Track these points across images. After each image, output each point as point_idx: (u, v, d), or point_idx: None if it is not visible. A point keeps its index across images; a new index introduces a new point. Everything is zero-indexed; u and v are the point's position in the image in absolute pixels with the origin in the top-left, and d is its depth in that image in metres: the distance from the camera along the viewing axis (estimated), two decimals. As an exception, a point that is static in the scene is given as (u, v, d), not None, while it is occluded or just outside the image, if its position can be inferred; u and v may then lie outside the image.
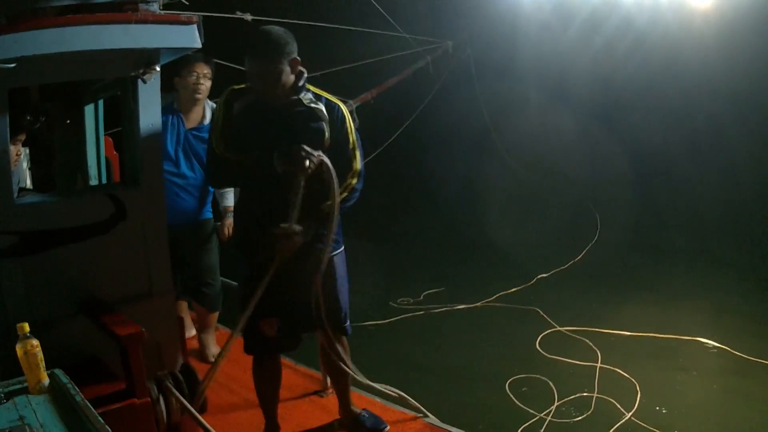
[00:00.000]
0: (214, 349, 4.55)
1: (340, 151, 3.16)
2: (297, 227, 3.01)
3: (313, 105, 3.12)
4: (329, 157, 3.05)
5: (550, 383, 4.59)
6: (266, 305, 3.13)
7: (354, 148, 3.21)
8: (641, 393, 4.41)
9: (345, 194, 3.14)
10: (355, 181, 3.20)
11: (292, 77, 3.05)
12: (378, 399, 3.92)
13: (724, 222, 8.64)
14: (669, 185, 10.18)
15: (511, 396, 4.51)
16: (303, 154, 2.93)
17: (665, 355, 5.08)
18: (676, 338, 5.27)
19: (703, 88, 9.86)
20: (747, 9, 8.62)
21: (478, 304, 6.32)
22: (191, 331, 4.78)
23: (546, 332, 5.47)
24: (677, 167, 10.32)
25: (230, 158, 3.06)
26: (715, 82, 9.75)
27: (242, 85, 3.15)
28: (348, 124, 3.18)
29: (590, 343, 5.18)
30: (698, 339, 5.23)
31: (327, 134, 3.12)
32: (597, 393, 4.44)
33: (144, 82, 3.17)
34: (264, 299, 3.08)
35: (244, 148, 3.06)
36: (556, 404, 4.34)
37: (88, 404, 1.96)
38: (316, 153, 2.96)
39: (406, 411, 3.83)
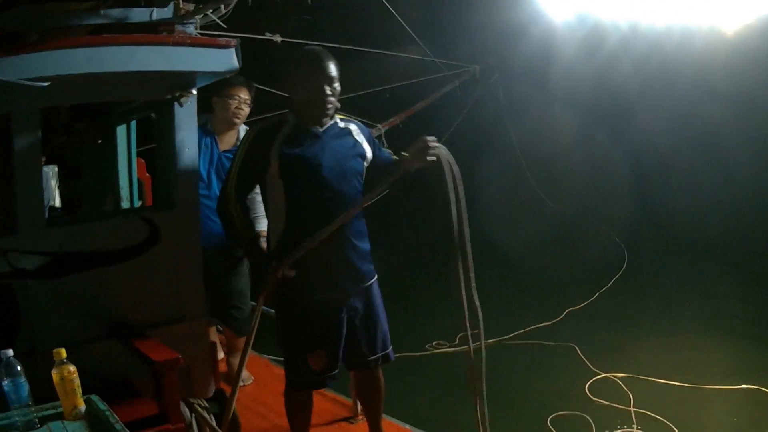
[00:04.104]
0: (243, 373, 4.49)
1: (385, 158, 3.19)
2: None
3: (346, 125, 3.10)
4: (374, 170, 3.11)
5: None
6: (314, 340, 3.06)
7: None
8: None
9: None
10: None
11: None
12: (408, 426, 3.85)
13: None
14: (697, 211, 10.02)
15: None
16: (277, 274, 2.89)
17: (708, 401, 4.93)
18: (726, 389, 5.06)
19: (734, 113, 9.77)
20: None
21: (510, 336, 6.26)
22: (219, 355, 4.73)
23: (594, 378, 5.29)
24: (708, 193, 10.26)
25: (235, 220, 2.99)
26: (744, 107, 9.68)
27: (268, 120, 3.10)
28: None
29: (629, 393, 4.98)
30: (748, 386, 5.02)
31: (369, 153, 3.11)
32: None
33: (180, 105, 3.16)
34: (312, 333, 3.04)
35: (294, 175, 2.95)
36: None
37: (127, 432, 1.92)
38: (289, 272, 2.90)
39: (437, 440, 3.76)
